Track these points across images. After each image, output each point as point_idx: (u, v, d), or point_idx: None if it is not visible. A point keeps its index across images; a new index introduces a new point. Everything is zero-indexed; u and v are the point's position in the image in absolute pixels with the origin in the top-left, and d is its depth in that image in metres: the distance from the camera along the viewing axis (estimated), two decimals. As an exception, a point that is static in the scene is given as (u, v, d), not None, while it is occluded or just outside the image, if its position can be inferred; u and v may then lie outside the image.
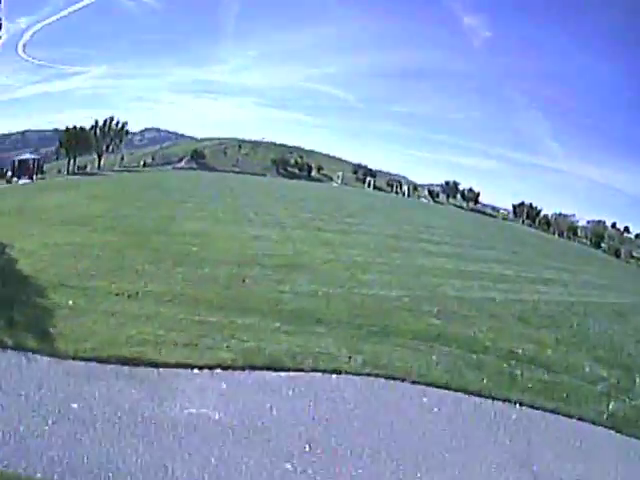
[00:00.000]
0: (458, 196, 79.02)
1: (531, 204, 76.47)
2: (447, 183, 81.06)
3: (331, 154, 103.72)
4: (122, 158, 56.36)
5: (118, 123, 50.65)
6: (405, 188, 78.13)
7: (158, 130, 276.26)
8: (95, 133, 48.68)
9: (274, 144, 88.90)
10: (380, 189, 77.83)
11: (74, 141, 43.56)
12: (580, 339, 9.21)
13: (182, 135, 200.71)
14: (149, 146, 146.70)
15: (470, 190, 78.80)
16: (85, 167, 51.96)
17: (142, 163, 56.08)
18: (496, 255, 19.20)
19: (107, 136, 50.02)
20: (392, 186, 79.17)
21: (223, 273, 9.34)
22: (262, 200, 27.36)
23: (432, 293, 10.41)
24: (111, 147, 51.48)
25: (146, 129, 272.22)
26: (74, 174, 43.73)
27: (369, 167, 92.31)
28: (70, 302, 6.85)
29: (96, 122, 49.01)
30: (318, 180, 76.87)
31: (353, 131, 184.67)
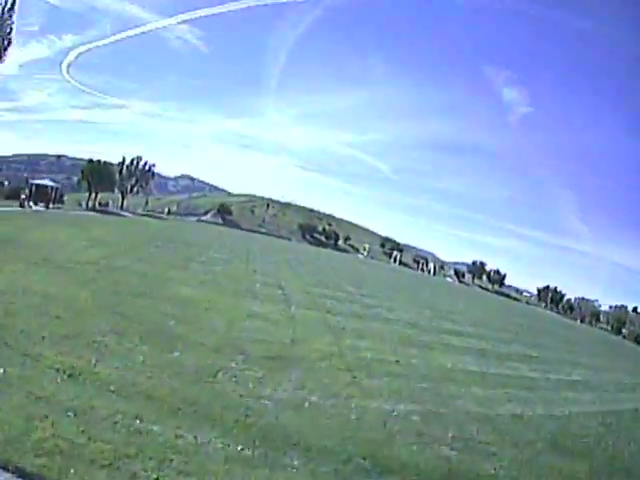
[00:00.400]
0: (484, 277, 78.64)
1: (555, 288, 76.67)
2: (474, 263, 78.82)
3: (360, 224, 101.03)
4: (147, 202, 53.29)
5: (146, 164, 48.12)
6: (431, 266, 75.08)
7: (192, 179, 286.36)
8: (121, 171, 46.00)
9: (304, 208, 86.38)
10: (406, 265, 74.31)
11: (96, 175, 40.55)
12: (616, 467, 7.90)
13: (215, 187, 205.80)
14: (182, 193, 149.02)
15: (497, 272, 77.59)
16: (107, 204, 48.87)
17: (167, 210, 52.71)
18: (522, 350, 18.05)
19: (133, 176, 47.28)
20: (418, 263, 76.13)
21: (194, 361, 7.58)
22: (277, 267, 24.80)
23: (449, 409, 8.63)
24: (136, 188, 48.56)
25: (181, 176, 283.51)
26: (93, 209, 40.26)
27: (397, 241, 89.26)
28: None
29: (123, 159, 46.64)
30: (344, 250, 72.50)
31: (384, 202, 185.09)
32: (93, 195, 42.98)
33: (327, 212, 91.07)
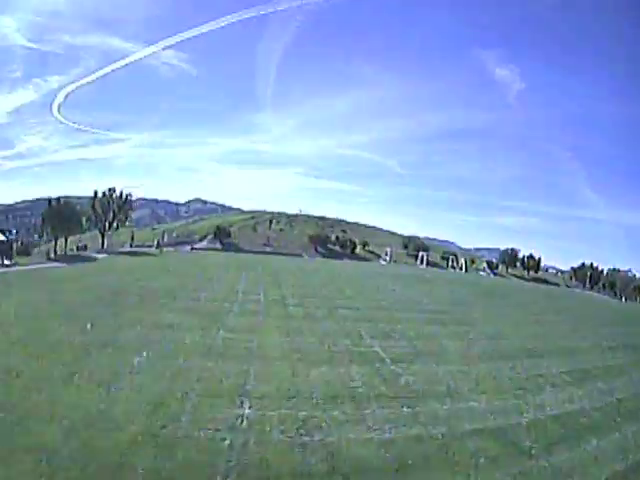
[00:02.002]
0: (517, 265, 72.17)
1: (592, 264, 72.03)
2: (505, 251, 72.77)
3: (377, 226, 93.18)
4: (132, 237, 47.17)
5: (122, 195, 42.00)
6: (462, 261, 66.03)
7: (203, 201, 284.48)
8: (93, 207, 40.02)
9: (313, 217, 79.24)
10: (435, 264, 65.49)
11: (58, 218, 34.55)
12: None
13: (228, 207, 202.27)
14: (195, 216, 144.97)
15: (530, 257, 71.40)
16: (85, 247, 43.02)
17: (156, 243, 46.35)
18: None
19: (108, 210, 41.25)
20: (447, 259, 68.03)
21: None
22: (270, 298, 19.38)
23: None
24: (115, 223, 42.52)
25: (192, 200, 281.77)
26: (57, 259, 34.20)
27: (419, 238, 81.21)
28: None
29: (95, 193, 40.62)
30: (363, 259, 64.70)
31: (396, 198, 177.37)
32: (63, 240, 37.17)
33: (339, 218, 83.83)
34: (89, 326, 11.56)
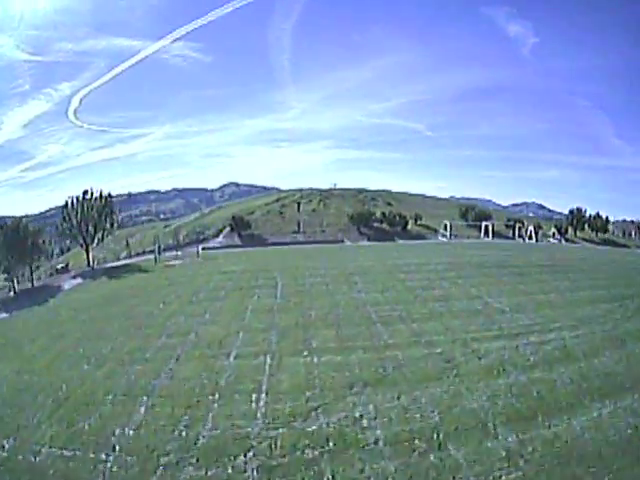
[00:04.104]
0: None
1: None
2: (571, 212, 63.15)
3: (424, 194, 79.31)
4: (127, 244, 37.86)
5: (101, 196, 32.23)
6: (530, 229, 53.62)
7: (237, 184, 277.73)
8: (65, 219, 30.69)
9: (351, 191, 66.77)
10: (499, 234, 54.26)
11: (9, 242, 25.40)
12: None
13: (264, 187, 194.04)
14: (230, 201, 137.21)
15: (597, 216, 62.26)
16: (67, 266, 34.27)
17: (157, 248, 36.55)
18: None
19: (88, 219, 31.77)
20: (513, 229, 56.44)
21: None
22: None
23: None
24: (100, 234, 33.17)
25: (226, 184, 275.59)
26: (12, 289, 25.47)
27: (475, 204, 67.59)
28: None
29: (65, 203, 31.20)
30: (418, 236, 52.29)
31: (428, 161, 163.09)
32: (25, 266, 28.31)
33: (381, 189, 70.82)
34: None
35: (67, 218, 30.85)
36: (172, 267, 31.16)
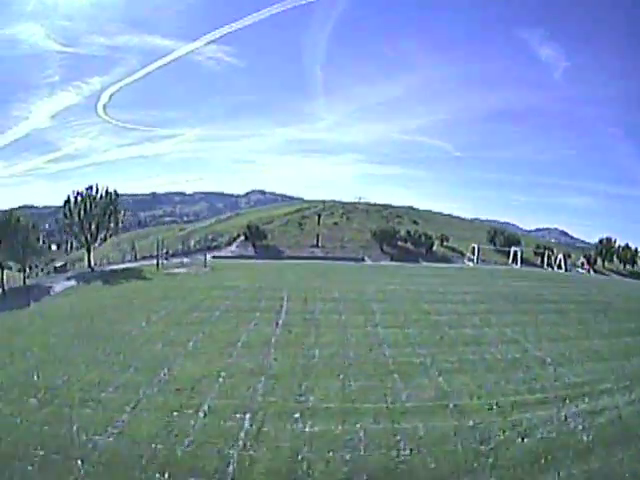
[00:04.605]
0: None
1: None
2: (601, 242, 58.56)
3: (453, 214, 74.90)
4: (133, 247, 35.66)
5: (107, 193, 30.09)
6: (560, 257, 49.57)
7: (263, 192, 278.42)
8: (66, 215, 28.68)
9: (376, 206, 63.29)
10: (527, 261, 49.29)
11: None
12: None
13: (289, 197, 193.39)
14: (254, 207, 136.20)
15: (627, 247, 58.26)
16: (64, 266, 32.25)
17: (164, 253, 34.12)
18: None
19: (90, 218, 29.67)
20: (541, 256, 52.17)
21: None
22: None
23: None
24: (103, 233, 31.02)
25: (251, 191, 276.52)
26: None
27: (504, 228, 63.15)
28: None
29: (68, 199, 29.24)
30: (444, 259, 48.22)
31: (454, 182, 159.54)
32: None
33: (407, 205, 67.08)
34: None
35: (69, 214, 28.86)
36: (173, 276, 28.54)
